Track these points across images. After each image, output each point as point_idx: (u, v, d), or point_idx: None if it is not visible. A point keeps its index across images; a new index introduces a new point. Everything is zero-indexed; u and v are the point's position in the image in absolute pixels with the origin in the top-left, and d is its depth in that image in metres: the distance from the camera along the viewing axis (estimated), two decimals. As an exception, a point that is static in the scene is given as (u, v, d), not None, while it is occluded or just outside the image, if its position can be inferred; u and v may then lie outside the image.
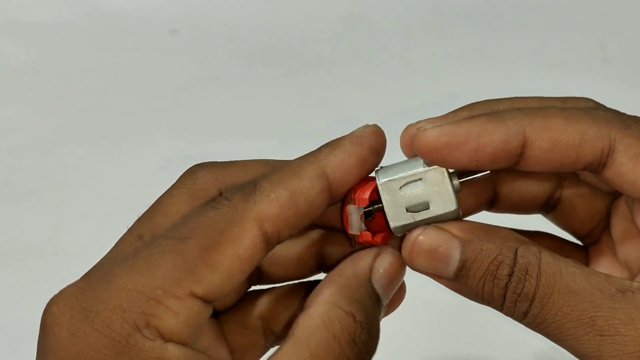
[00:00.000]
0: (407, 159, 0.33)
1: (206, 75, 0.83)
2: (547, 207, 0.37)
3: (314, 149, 0.33)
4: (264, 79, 0.82)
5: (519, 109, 0.32)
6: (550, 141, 0.31)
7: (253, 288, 0.36)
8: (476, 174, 0.32)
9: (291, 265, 0.36)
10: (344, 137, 0.33)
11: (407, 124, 0.34)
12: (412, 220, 0.32)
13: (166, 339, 0.28)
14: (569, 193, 0.36)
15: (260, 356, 0.36)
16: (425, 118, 0.34)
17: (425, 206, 0.32)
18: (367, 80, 0.82)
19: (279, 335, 0.36)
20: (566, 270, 0.30)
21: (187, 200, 0.32)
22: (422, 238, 0.31)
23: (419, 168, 0.32)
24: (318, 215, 0.32)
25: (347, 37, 0.86)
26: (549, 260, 0.30)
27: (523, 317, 0.30)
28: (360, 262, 0.32)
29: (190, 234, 0.29)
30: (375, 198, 0.32)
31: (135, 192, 0.71)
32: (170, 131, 0.77)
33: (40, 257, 0.66)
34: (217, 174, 0.33)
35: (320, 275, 0.36)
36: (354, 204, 0.32)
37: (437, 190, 0.32)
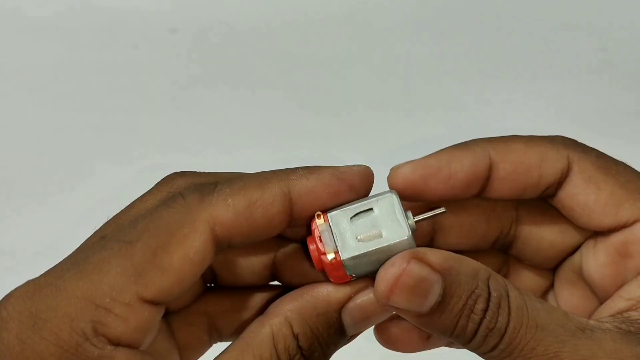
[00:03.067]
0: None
1: (205, 74, 0.83)
2: (502, 245, 0.37)
3: (292, 167, 0.32)
4: (264, 78, 0.82)
5: (483, 138, 0.33)
6: (513, 163, 0.32)
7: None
8: (431, 211, 0.32)
9: (244, 273, 0.35)
10: (327, 166, 0.32)
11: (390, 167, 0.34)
12: (363, 250, 0.31)
13: (115, 344, 0.28)
14: (527, 228, 0.36)
15: (204, 352, 0.36)
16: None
17: (378, 235, 0.31)
18: (367, 82, 0.82)
19: (223, 333, 0.36)
20: (531, 305, 0.30)
21: (158, 204, 0.31)
22: (408, 273, 0.30)
23: (369, 204, 0.31)
24: (274, 234, 0.31)
25: (347, 37, 0.86)
26: (516, 294, 0.30)
27: (489, 351, 0.30)
28: (337, 289, 0.31)
29: (139, 236, 0.29)
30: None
31: (135, 191, 0.71)
32: (169, 130, 0.77)
33: (40, 257, 0.66)
34: (195, 182, 0.32)
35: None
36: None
37: (388, 219, 0.31)
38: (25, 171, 0.74)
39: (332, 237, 0.31)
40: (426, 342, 0.35)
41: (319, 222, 0.31)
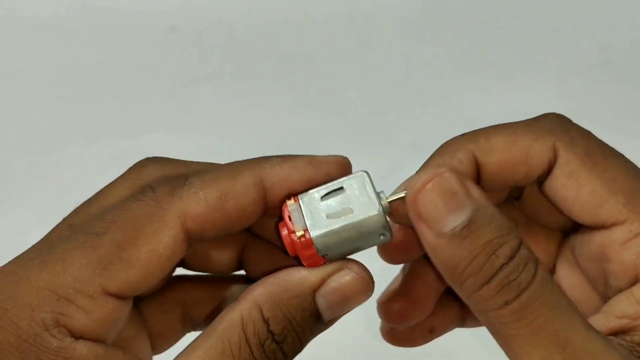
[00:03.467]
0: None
1: (205, 73, 0.83)
2: (513, 197, 0.37)
3: (266, 156, 0.31)
4: (263, 78, 0.82)
5: (464, 135, 0.33)
6: (497, 164, 0.32)
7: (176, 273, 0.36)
8: (401, 193, 0.31)
9: (210, 262, 0.35)
10: (302, 155, 0.32)
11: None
12: (333, 227, 0.30)
13: (77, 337, 0.28)
14: (533, 190, 0.35)
15: (177, 340, 0.36)
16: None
17: (348, 211, 0.30)
18: (367, 80, 0.82)
19: (196, 322, 0.36)
20: (553, 283, 0.28)
21: (128, 193, 0.31)
22: (444, 179, 0.28)
23: (338, 184, 0.31)
24: (249, 224, 0.31)
25: (347, 37, 0.86)
26: (543, 268, 0.28)
27: (499, 307, 0.28)
28: (310, 271, 0.30)
29: (107, 227, 0.29)
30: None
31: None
32: (169, 129, 0.77)
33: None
34: (165, 171, 0.31)
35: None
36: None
37: (359, 196, 0.31)
38: (24, 171, 0.74)
39: (301, 216, 0.30)
40: (429, 335, 0.35)
41: (289, 202, 0.31)
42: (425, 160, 0.33)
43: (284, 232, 0.31)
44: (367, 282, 0.30)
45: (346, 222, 0.30)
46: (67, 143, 0.76)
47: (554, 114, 0.34)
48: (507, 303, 0.28)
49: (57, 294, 0.28)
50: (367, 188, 0.31)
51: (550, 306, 0.28)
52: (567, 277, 0.35)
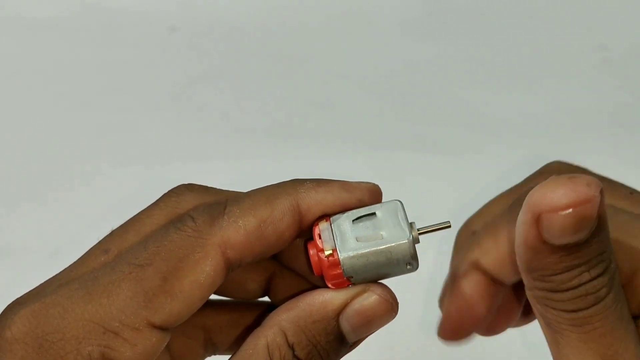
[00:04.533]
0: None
1: (205, 73, 0.83)
2: None
3: (299, 178, 0.32)
4: (263, 78, 0.82)
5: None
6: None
7: None
8: (437, 224, 0.32)
9: (237, 288, 0.35)
10: (336, 180, 0.32)
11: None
12: (361, 250, 0.30)
13: None
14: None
15: None
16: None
17: (378, 237, 0.31)
18: (367, 80, 0.82)
19: (218, 347, 0.36)
20: (622, 299, 0.29)
21: (166, 221, 0.31)
22: (595, 203, 0.27)
23: (371, 211, 0.31)
24: (284, 246, 0.31)
25: (347, 36, 0.86)
26: (618, 284, 0.29)
27: (566, 309, 0.28)
28: (334, 294, 0.31)
29: (150, 259, 0.29)
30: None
31: (134, 189, 0.71)
32: (168, 129, 0.77)
33: (39, 257, 0.66)
34: (202, 199, 0.31)
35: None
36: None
37: (390, 223, 0.31)
38: (24, 170, 0.74)
39: (331, 236, 0.31)
40: (485, 332, 0.35)
41: (320, 222, 0.31)
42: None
43: (312, 251, 0.31)
44: (390, 305, 0.30)
45: (375, 247, 0.31)
46: (66, 143, 0.76)
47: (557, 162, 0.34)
48: (576, 311, 0.28)
49: (104, 327, 0.28)
50: (399, 216, 0.31)
51: (611, 321, 0.28)
52: None
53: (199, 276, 0.29)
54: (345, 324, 0.30)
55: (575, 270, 0.28)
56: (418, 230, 0.31)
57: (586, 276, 0.28)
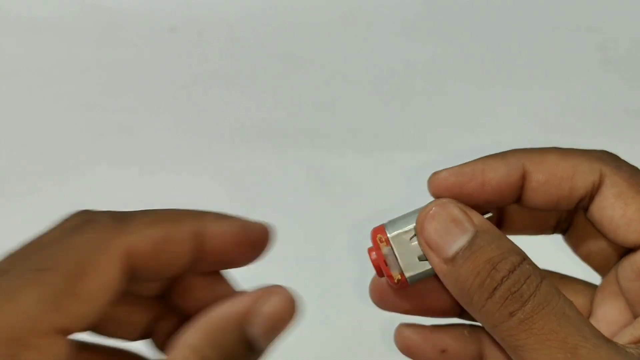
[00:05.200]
0: (412, 210, 0.34)
1: (205, 73, 0.83)
2: (561, 229, 0.37)
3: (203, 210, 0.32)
4: (263, 77, 0.82)
5: (519, 148, 0.34)
6: (546, 173, 0.33)
7: None
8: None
9: (115, 325, 0.34)
10: (236, 217, 0.32)
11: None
12: (426, 268, 0.33)
13: None
14: (581, 221, 0.36)
15: None
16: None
17: None
18: (367, 80, 0.82)
19: None
20: (560, 296, 0.30)
21: (69, 228, 0.30)
22: (449, 204, 0.31)
23: None
24: (180, 272, 0.31)
25: (348, 36, 0.86)
26: (548, 283, 0.30)
27: (505, 319, 0.29)
28: (233, 304, 0.30)
29: (52, 263, 0.28)
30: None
31: (135, 190, 0.71)
32: (168, 128, 0.77)
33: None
34: (109, 211, 0.31)
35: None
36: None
37: None
38: (23, 170, 0.74)
39: (395, 259, 0.33)
40: (441, 355, 0.36)
41: (382, 246, 0.33)
42: (477, 158, 0.34)
43: (373, 256, 0.34)
44: (293, 302, 0.31)
45: None
46: (65, 143, 0.76)
47: (602, 150, 0.35)
48: (512, 314, 0.29)
49: (10, 334, 0.26)
50: None
51: (556, 315, 0.29)
52: (611, 309, 0.35)
53: (104, 278, 0.28)
54: (254, 330, 0.30)
55: (482, 271, 0.30)
56: None
57: (496, 274, 0.29)
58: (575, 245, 0.37)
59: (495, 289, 0.29)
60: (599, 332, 0.29)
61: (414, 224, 0.33)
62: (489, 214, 0.33)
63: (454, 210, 0.31)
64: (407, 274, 0.33)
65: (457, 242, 0.30)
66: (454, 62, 0.83)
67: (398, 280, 0.33)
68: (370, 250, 0.34)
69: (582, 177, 0.33)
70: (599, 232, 0.34)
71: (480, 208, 0.33)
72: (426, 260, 0.32)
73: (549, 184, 0.33)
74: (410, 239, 0.33)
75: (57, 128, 0.77)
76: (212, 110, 0.79)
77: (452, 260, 0.30)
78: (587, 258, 0.37)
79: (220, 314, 0.30)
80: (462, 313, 0.37)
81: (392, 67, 0.83)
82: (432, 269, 0.32)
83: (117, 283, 0.29)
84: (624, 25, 0.85)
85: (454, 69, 0.82)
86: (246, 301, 0.30)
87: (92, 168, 0.73)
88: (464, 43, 0.84)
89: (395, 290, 0.36)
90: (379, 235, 0.33)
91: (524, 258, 0.30)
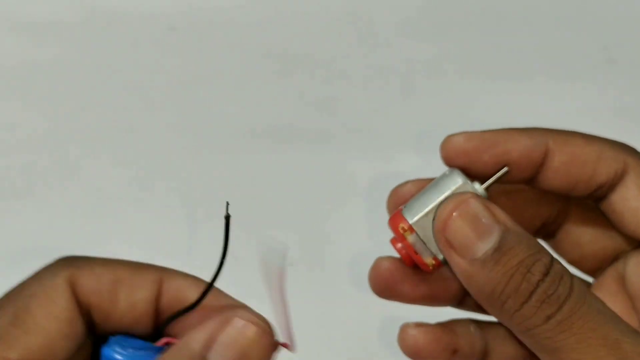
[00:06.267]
0: (423, 189, 0.32)
1: (205, 73, 0.83)
2: (546, 233, 0.36)
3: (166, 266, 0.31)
4: (263, 77, 0.82)
5: (544, 127, 0.33)
6: (570, 154, 0.32)
7: None
8: (496, 174, 0.32)
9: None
10: (199, 278, 0.31)
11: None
12: None
13: None
14: (573, 223, 0.35)
15: None
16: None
17: None
18: (368, 80, 0.82)
19: None
20: (591, 293, 0.29)
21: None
22: (469, 204, 0.29)
23: (440, 195, 0.31)
24: (134, 323, 0.30)
25: (348, 36, 0.86)
26: (579, 282, 0.29)
27: (542, 323, 0.28)
28: (195, 334, 0.28)
29: (5, 302, 0.28)
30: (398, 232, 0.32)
31: (135, 189, 0.71)
32: (167, 128, 0.77)
33: (38, 256, 0.65)
34: (73, 276, 0.30)
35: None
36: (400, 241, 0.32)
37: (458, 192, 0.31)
38: (23, 170, 0.74)
39: (423, 245, 0.31)
40: (452, 356, 0.34)
41: (407, 235, 0.31)
42: (498, 128, 0.33)
43: (399, 245, 0.32)
44: (262, 328, 0.28)
45: None
46: (66, 142, 0.76)
47: (621, 142, 0.35)
48: (549, 317, 0.28)
49: None
50: (467, 187, 0.31)
51: (593, 313, 0.28)
52: (613, 308, 0.34)
53: (53, 309, 0.28)
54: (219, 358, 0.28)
55: (517, 275, 0.28)
56: (483, 186, 0.32)
57: (532, 277, 0.28)
58: (565, 249, 0.36)
59: (532, 292, 0.28)
60: (631, 326, 0.29)
61: (434, 203, 0.31)
62: (505, 170, 0.32)
63: (478, 206, 0.29)
64: (442, 256, 0.31)
65: (485, 243, 0.28)
66: (453, 62, 0.83)
67: (432, 265, 0.31)
68: (394, 241, 0.32)
69: (607, 163, 0.32)
70: (611, 224, 0.33)
71: (485, 180, 0.32)
72: None
73: (571, 165, 0.32)
74: (433, 217, 0.31)
75: (56, 127, 0.77)
76: (212, 110, 0.79)
77: (480, 262, 0.28)
78: (578, 262, 0.36)
79: (184, 343, 0.28)
80: (461, 302, 0.36)
81: (392, 67, 0.83)
82: None
83: (70, 313, 0.28)
84: (628, 25, 0.84)
85: (453, 69, 0.82)
86: (205, 334, 0.28)
87: (91, 168, 0.73)
88: (463, 43, 0.84)
89: (402, 278, 0.34)
90: (400, 225, 0.31)
91: (552, 257, 0.29)
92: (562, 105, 0.78)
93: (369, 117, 0.77)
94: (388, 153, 0.72)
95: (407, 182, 0.33)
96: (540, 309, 0.28)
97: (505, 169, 0.32)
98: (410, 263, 0.32)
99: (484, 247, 0.28)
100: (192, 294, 0.30)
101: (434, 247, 0.31)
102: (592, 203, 0.34)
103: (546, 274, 0.28)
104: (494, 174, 0.32)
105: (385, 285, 0.34)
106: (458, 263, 0.29)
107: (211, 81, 0.82)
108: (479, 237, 0.29)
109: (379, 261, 0.34)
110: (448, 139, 0.33)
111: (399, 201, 0.32)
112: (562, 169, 0.32)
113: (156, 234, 0.66)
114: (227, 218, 0.30)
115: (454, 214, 0.29)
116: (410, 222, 0.31)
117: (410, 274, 0.34)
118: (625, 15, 0.85)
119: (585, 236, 0.35)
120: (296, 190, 0.70)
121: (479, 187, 0.31)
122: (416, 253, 0.31)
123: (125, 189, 0.70)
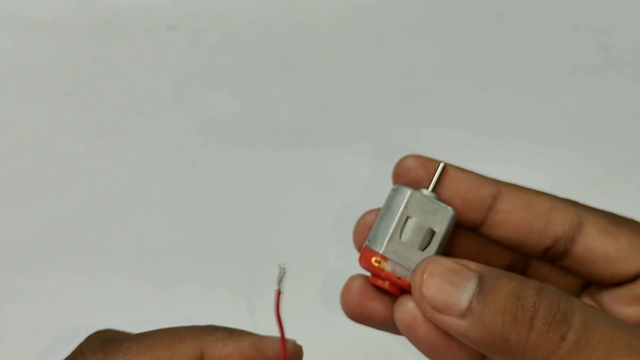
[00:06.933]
0: (376, 220, 0.32)
1: (205, 73, 0.82)
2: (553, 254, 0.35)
3: (213, 325, 0.31)
4: (263, 77, 0.82)
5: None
6: (522, 200, 0.31)
7: None
8: (435, 175, 0.32)
9: None
10: (248, 333, 0.31)
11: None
12: (433, 252, 0.31)
13: None
14: (537, 264, 0.34)
15: None
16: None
17: (430, 233, 0.31)
18: (368, 80, 0.82)
19: None
20: (592, 308, 0.27)
21: None
22: (437, 259, 0.29)
23: (397, 212, 0.31)
24: None
25: (348, 36, 0.86)
26: (576, 297, 0.27)
27: (557, 346, 0.26)
28: None
29: None
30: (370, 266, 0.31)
31: (135, 189, 0.71)
32: (167, 128, 0.77)
33: (38, 256, 0.65)
34: (103, 337, 0.30)
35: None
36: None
37: (427, 211, 0.31)
38: (22, 170, 0.74)
39: (402, 267, 0.30)
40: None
41: (383, 266, 0.31)
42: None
43: (386, 283, 0.31)
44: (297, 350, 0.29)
45: (439, 242, 0.31)
46: (66, 142, 0.76)
47: (575, 200, 0.34)
48: (563, 338, 0.26)
49: None
50: (425, 199, 0.31)
51: (608, 323, 0.26)
52: None
53: None
54: None
55: (509, 305, 0.27)
56: (430, 189, 0.32)
57: (526, 301, 0.26)
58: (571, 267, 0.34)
59: (532, 318, 0.26)
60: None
61: (394, 223, 0.30)
62: (441, 165, 0.32)
63: (445, 261, 0.28)
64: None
65: (467, 290, 0.27)
66: (452, 62, 0.83)
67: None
68: (374, 280, 0.31)
69: (560, 214, 0.31)
70: (582, 274, 0.32)
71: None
72: (427, 246, 0.30)
73: (524, 210, 0.31)
74: (399, 237, 0.30)
75: (55, 126, 0.77)
76: (212, 110, 0.79)
77: (468, 311, 0.27)
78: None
79: None
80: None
81: (392, 66, 0.83)
82: (438, 250, 0.30)
83: None
84: (626, 26, 0.84)
85: (452, 69, 0.82)
86: None
87: (91, 167, 0.73)
88: (461, 43, 0.84)
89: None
90: (373, 259, 0.31)
91: (539, 281, 0.27)
92: (559, 105, 0.78)
93: (370, 118, 0.78)
94: (389, 153, 0.72)
95: (370, 212, 0.32)
96: (550, 331, 0.26)
97: (442, 164, 0.32)
98: (399, 291, 0.31)
99: (467, 294, 0.27)
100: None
101: (412, 264, 0.30)
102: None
103: (539, 294, 0.27)
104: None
105: (359, 308, 0.34)
106: (449, 323, 0.28)
107: (211, 81, 0.82)
108: (458, 286, 0.27)
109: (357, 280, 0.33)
110: (400, 161, 0.32)
111: (366, 232, 0.32)
112: (514, 213, 0.31)
113: (156, 234, 0.66)
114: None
115: (424, 276, 0.28)
116: (381, 251, 0.31)
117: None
118: (623, 16, 0.85)
119: (553, 278, 0.34)
120: (296, 190, 0.70)
121: (426, 192, 0.31)
122: (399, 278, 0.31)
123: (125, 189, 0.70)
